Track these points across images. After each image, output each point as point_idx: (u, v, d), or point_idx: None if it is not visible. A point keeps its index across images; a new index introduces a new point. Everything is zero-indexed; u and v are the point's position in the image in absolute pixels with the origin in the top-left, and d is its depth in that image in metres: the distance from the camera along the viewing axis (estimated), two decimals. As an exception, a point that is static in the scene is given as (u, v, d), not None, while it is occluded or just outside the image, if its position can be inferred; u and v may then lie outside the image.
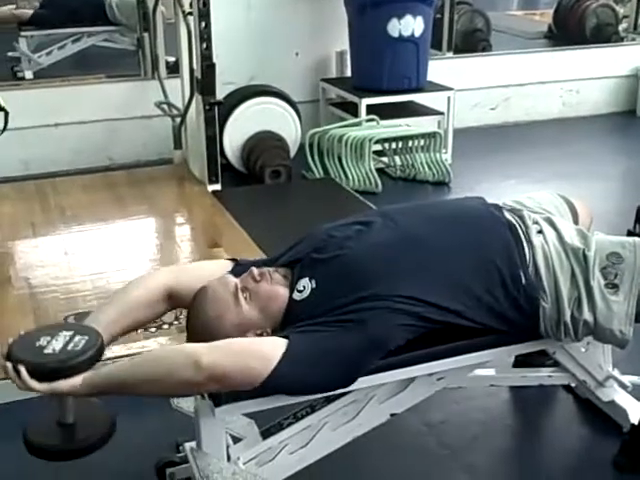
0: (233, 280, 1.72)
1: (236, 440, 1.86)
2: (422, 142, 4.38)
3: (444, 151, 4.49)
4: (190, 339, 1.75)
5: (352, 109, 4.56)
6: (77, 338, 1.60)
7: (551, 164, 4.67)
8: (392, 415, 1.88)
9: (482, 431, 2.28)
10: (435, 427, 2.26)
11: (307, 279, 1.72)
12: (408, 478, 2.10)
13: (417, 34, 4.37)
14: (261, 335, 1.68)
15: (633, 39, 6.13)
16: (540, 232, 1.86)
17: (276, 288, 1.72)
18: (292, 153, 4.35)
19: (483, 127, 5.42)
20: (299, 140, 4.40)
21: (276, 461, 1.79)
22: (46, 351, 1.57)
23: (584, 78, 5.71)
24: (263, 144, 4.18)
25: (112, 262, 3.18)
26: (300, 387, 1.60)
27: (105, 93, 4.64)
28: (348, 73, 4.84)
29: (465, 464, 2.14)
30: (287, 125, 4.33)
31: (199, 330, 1.70)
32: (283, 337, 1.59)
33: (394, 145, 4.39)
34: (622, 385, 2.16)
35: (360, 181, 4.17)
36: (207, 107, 3.83)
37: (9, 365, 1.55)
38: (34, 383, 1.54)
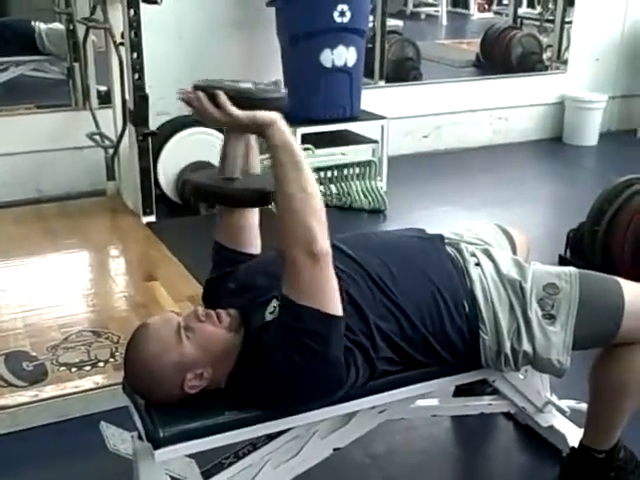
0: (176, 318, 1.68)
1: (178, 481, 1.81)
2: (357, 170, 4.41)
3: (379, 179, 4.53)
4: (127, 376, 1.70)
5: (287, 138, 4.55)
6: (262, 85, 1.55)
7: (483, 191, 4.77)
8: (335, 450, 1.87)
9: (425, 460, 2.28)
10: (379, 458, 2.25)
11: (275, 300, 1.67)
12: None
13: (350, 64, 4.40)
14: (201, 376, 1.64)
15: (557, 67, 6.33)
16: (478, 264, 1.89)
17: (219, 331, 1.66)
18: (228, 183, 4.32)
19: (416, 155, 5.49)
20: (235, 170, 4.38)
21: (218, 502, 1.75)
22: (242, 86, 1.51)
23: (512, 106, 5.86)
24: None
25: (44, 298, 3.09)
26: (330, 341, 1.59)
27: (35, 124, 4.53)
28: (282, 102, 4.84)
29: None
30: (222, 155, 4.30)
31: (137, 367, 1.65)
32: None
33: (329, 174, 4.41)
34: (560, 410, 2.19)
35: (296, 210, 4.16)
36: (140, 138, 3.78)
37: (201, 94, 1.51)
38: (235, 110, 1.49)
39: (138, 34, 3.63)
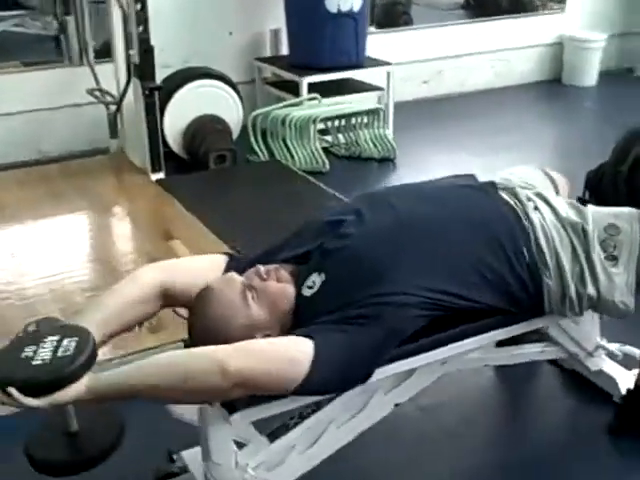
0: (239, 279, 1.62)
1: (239, 445, 1.77)
2: (365, 119, 4.32)
3: (387, 127, 4.45)
4: (193, 341, 1.64)
5: (291, 88, 4.45)
6: (66, 342, 1.44)
7: (489, 136, 4.70)
8: (396, 405, 1.84)
9: (475, 409, 2.28)
10: (430, 411, 2.23)
11: (316, 274, 1.64)
12: (409, 464, 2.07)
13: (356, 9, 4.29)
14: (269, 336, 1.59)
15: (551, 8, 6.21)
16: (536, 208, 1.84)
17: (284, 286, 1.64)
18: (235, 136, 4.23)
19: (417, 100, 5.40)
20: (241, 122, 4.28)
21: (286, 464, 1.72)
22: (35, 362, 1.41)
23: (512, 48, 5.77)
24: (205, 128, 4.04)
25: (64, 263, 3.00)
26: (329, 388, 1.55)
27: (29, 82, 4.38)
28: (283, 51, 4.73)
29: (462, 444, 2.13)
30: (229, 108, 4.20)
31: (205, 332, 1.60)
32: (305, 336, 1.51)
33: (337, 123, 4.33)
34: (611, 354, 2.18)
35: (306, 161, 4.09)
36: (146, 92, 3.66)
37: None
38: (31, 400, 1.39)
39: (141, -16, 3.49)
